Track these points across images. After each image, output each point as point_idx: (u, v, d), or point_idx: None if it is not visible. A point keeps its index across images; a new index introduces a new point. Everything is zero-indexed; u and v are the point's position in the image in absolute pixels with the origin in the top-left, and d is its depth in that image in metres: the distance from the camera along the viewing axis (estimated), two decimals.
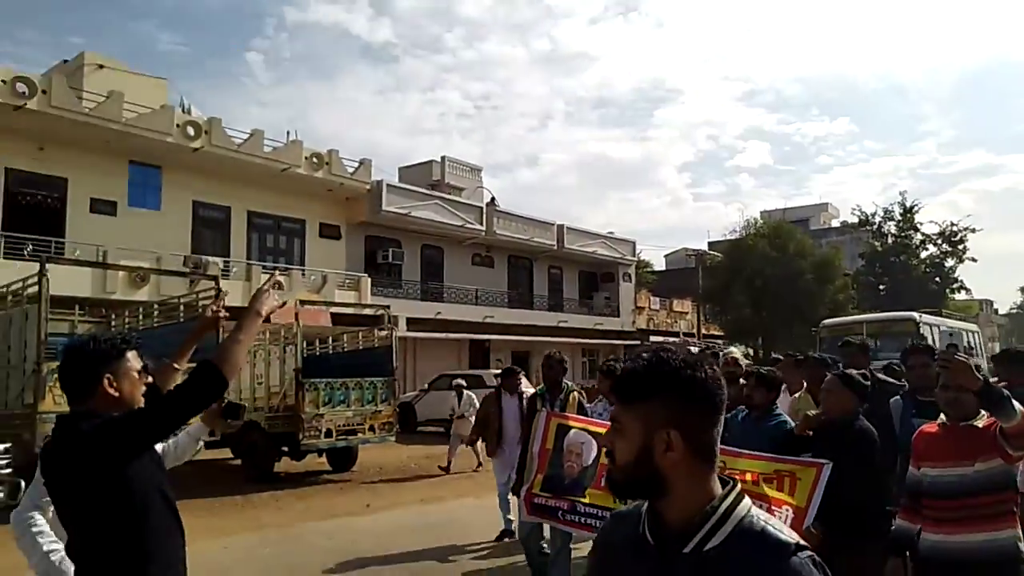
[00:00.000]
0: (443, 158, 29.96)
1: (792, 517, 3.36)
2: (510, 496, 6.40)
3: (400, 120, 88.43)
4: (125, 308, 12.76)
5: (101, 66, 19.08)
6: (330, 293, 21.16)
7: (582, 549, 4.87)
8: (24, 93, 15.80)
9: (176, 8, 76.20)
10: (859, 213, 41.31)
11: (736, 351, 5.11)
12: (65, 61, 20.00)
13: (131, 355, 2.21)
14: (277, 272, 2.55)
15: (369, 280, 22.94)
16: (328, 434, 11.22)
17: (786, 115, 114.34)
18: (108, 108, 17.21)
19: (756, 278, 30.39)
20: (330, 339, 14.46)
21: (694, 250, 40.96)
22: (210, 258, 19.04)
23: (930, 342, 12.19)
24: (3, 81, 15.57)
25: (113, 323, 12.26)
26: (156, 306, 11.95)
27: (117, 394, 2.14)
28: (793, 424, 4.11)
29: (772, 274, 29.99)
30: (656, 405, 1.19)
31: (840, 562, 2.89)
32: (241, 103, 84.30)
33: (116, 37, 71.05)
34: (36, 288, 8.83)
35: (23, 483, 7.72)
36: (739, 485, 1.24)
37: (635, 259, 35.39)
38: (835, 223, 55.98)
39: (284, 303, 2.49)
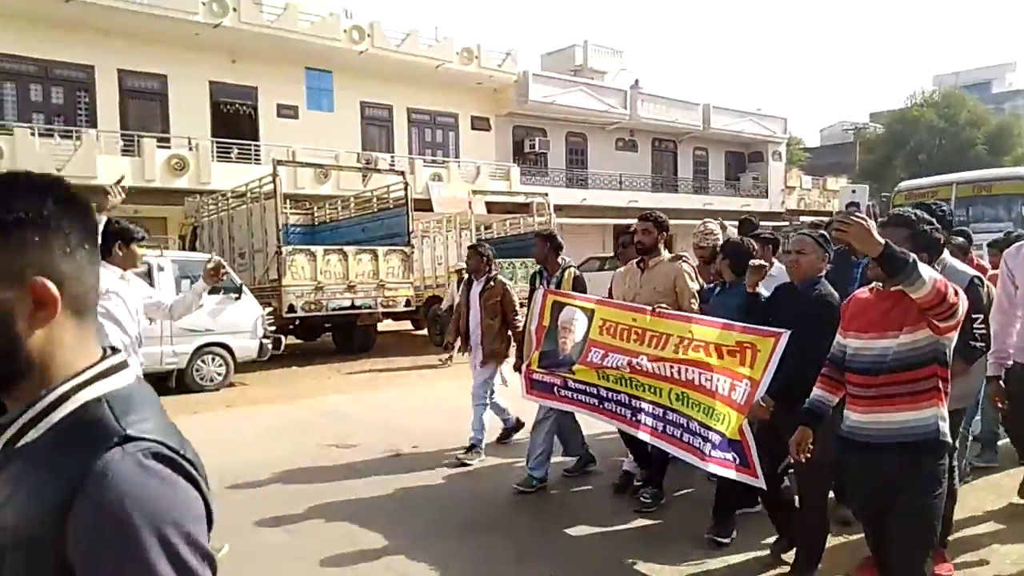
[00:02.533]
0: (585, 42, 29.90)
1: (748, 390, 3.37)
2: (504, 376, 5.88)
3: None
4: (324, 201, 14.85)
5: None
6: (483, 183, 22.66)
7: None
8: (219, 12, 17.87)
9: None
10: None
11: (713, 223, 5.06)
12: None
13: None
14: (121, 177, 2.98)
15: (518, 169, 24.21)
16: None
17: None
18: (286, 19, 19.02)
19: (920, 151, 28.56)
20: (494, 225, 15.99)
21: (852, 123, 38.55)
22: (378, 154, 21.02)
23: None
24: (203, 3, 17.65)
25: (316, 215, 14.42)
26: (352, 200, 13.87)
27: None
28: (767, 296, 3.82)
29: (939, 146, 28.04)
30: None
31: (779, 427, 3.18)
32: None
33: None
34: (271, 186, 10.84)
35: (282, 339, 9.96)
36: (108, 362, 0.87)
37: (786, 136, 33.98)
38: (1021, 84, 49.85)
39: (122, 196, 3.02)
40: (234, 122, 19.70)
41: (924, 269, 2.19)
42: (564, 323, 4.46)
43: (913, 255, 2.20)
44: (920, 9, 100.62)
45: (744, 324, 3.55)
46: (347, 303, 11.29)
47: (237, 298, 9.33)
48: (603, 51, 30.53)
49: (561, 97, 25.20)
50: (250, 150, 19.13)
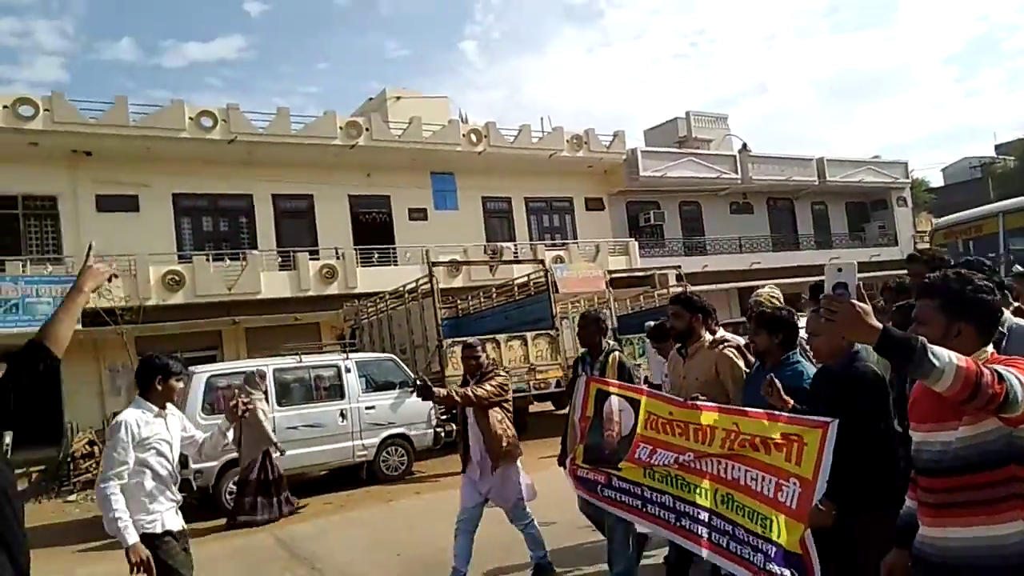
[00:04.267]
0: (687, 113, 30.52)
1: (799, 492, 2.90)
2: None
3: (614, 74, 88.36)
4: (458, 294, 15.80)
5: (398, 98, 23.00)
6: (603, 260, 23.16)
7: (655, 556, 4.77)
8: (354, 134, 19.84)
9: (395, 17, 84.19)
10: None
11: (765, 290, 4.50)
12: (370, 99, 24.27)
13: None
14: (111, 261, 3.18)
15: (636, 243, 24.64)
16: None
17: None
18: (412, 132, 20.82)
19: None
20: (625, 301, 16.35)
21: (978, 158, 36.71)
22: (503, 244, 22.10)
23: None
24: (340, 128, 19.69)
25: (459, 307, 15.32)
26: (493, 289, 14.70)
27: None
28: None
29: None
30: None
31: (857, 537, 2.73)
32: (461, 90, 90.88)
33: (351, 53, 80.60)
34: (428, 286, 11.79)
35: (454, 426, 10.56)
36: None
37: (908, 181, 32.77)
38: None
39: (111, 277, 2.66)
40: (372, 229, 21.42)
41: (940, 355, 1.77)
42: (609, 414, 4.07)
43: (922, 339, 1.80)
44: None
45: (788, 414, 3.10)
46: None
47: (412, 392, 10.09)
48: (706, 119, 31.02)
49: (671, 170, 25.71)
50: (388, 253, 20.68)
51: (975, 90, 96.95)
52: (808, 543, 2.85)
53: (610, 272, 19.97)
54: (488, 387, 4.81)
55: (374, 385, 9.92)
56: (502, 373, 5.13)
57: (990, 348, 2.06)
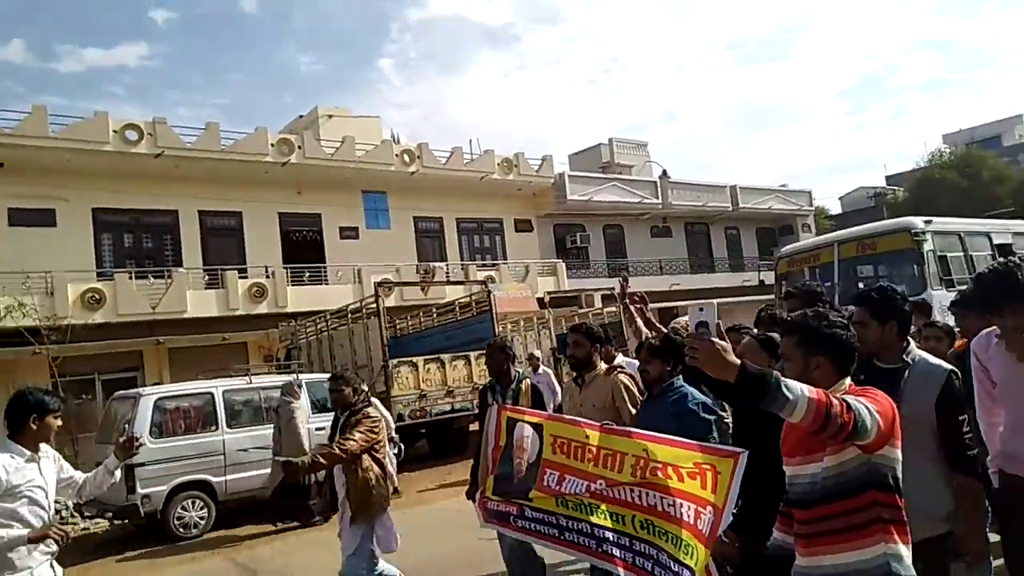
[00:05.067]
0: (610, 140, 31.70)
1: (712, 519, 2.90)
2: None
3: (532, 97, 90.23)
4: (406, 313, 15.87)
5: (330, 116, 22.86)
6: (533, 281, 23.73)
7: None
8: (286, 151, 19.63)
9: (309, 31, 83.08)
10: None
11: (683, 320, 4.30)
12: (300, 116, 24.03)
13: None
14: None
15: (564, 265, 25.33)
16: None
17: (953, 16, 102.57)
18: (344, 151, 20.77)
19: (946, 213, 29.35)
20: (560, 321, 16.84)
21: (873, 188, 39.68)
22: (435, 264, 22.27)
23: (941, 263, 9.28)
24: (272, 145, 19.43)
25: (399, 326, 15.38)
26: (434, 308, 14.87)
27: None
28: (702, 399, 3.57)
29: (965, 206, 28.87)
30: None
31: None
32: (379, 108, 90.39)
33: (262, 66, 79.00)
34: (373, 306, 11.85)
35: (402, 446, 10.65)
36: None
37: (812, 208, 35.11)
38: None
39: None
40: (302, 247, 21.14)
41: (793, 388, 1.87)
42: (518, 442, 3.99)
43: (776, 373, 1.91)
44: (921, 71, 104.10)
45: (701, 443, 3.17)
46: (447, 407, 12.04)
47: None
48: (627, 146, 32.28)
49: (596, 194, 26.63)
50: (320, 272, 20.46)
51: (865, 123, 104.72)
52: (712, 571, 2.89)
53: (543, 293, 20.64)
54: (357, 435, 4.49)
55: (319, 406, 9.89)
56: (372, 412, 4.76)
57: (847, 381, 2.19)
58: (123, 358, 17.50)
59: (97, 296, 16.42)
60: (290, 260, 20.49)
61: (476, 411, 12.56)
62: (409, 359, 11.92)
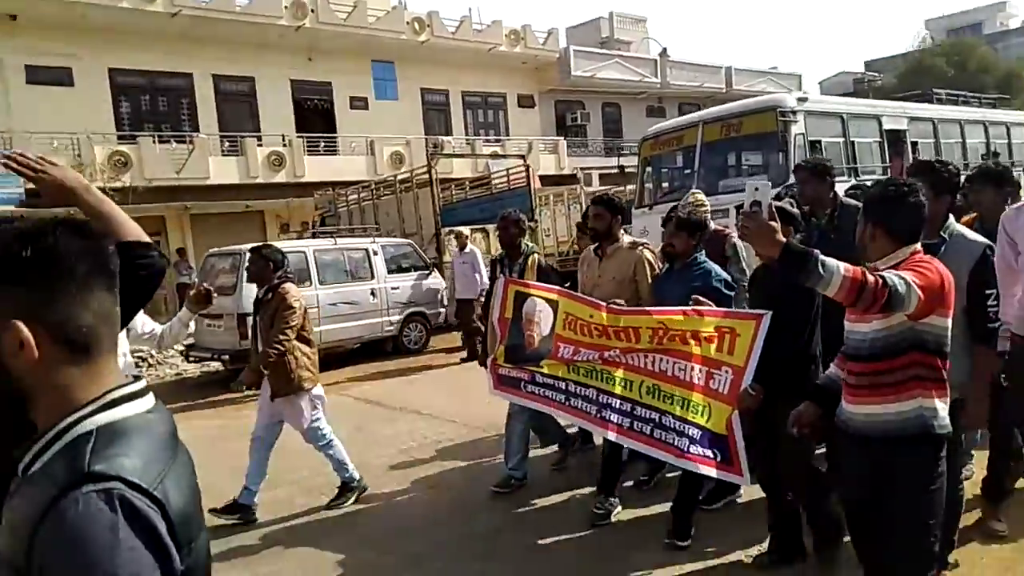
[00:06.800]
0: (611, 14, 31.16)
1: (731, 379, 3.13)
2: None
3: None
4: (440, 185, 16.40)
5: None
6: (535, 158, 24.12)
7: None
8: (300, 15, 19.18)
9: None
10: None
11: (700, 193, 4.31)
12: None
13: None
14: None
15: (565, 142, 25.73)
16: None
17: None
18: (357, 16, 20.33)
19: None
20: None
21: (858, 73, 40.10)
22: (444, 138, 22.47)
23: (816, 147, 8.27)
24: (285, 7, 18.94)
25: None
26: (467, 182, 15.47)
27: None
28: (724, 276, 3.72)
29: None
30: None
31: (777, 420, 2.86)
32: None
33: None
34: (425, 175, 12.44)
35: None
36: (116, 393, 0.96)
37: (802, 93, 35.45)
38: (1014, 23, 51.26)
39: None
40: (313, 116, 21.09)
41: (829, 265, 2.02)
42: (528, 315, 4.12)
43: (816, 252, 2.04)
44: None
45: (724, 309, 3.38)
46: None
47: (427, 275, 10.99)
48: (627, 20, 31.80)
49: (599, 71, 26.63)
50: (334, 142, 20.59)
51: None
52: (735, 424, 3.12)
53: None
54: (283, 327, 4.38)
55: (394, 268, 10.71)
56: (291, 294, 4.47)
57: (910, 248, 2.28)
58: (145, 223, 17.35)
59: (124, 159, 16.49)
60: (302, 129, 20.50)
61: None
62: (458, 229, 12.65)
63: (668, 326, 3.40)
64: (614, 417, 3.60)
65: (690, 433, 3.25)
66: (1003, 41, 45.71)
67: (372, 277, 10.22)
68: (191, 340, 9.33)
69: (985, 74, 29.83)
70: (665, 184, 10.31)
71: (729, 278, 3.75)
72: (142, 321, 3.60)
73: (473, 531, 4.15)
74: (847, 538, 2.77)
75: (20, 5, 15.62)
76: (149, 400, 0.99)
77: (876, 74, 41.58)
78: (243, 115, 19.88)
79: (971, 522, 3.45)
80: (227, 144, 18.76)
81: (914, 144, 9.94)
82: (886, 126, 9.60)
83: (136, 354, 9.16)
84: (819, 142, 8.47)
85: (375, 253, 10.29)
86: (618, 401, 3.60)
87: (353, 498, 4.66)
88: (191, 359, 9.74)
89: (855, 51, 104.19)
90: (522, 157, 15.01)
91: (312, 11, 19.41)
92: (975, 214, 3.83)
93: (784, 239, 2.06)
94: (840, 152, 8.78)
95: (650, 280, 4.05)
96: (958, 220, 3.08)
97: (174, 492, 0.92)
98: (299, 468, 5.30)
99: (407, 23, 21.50)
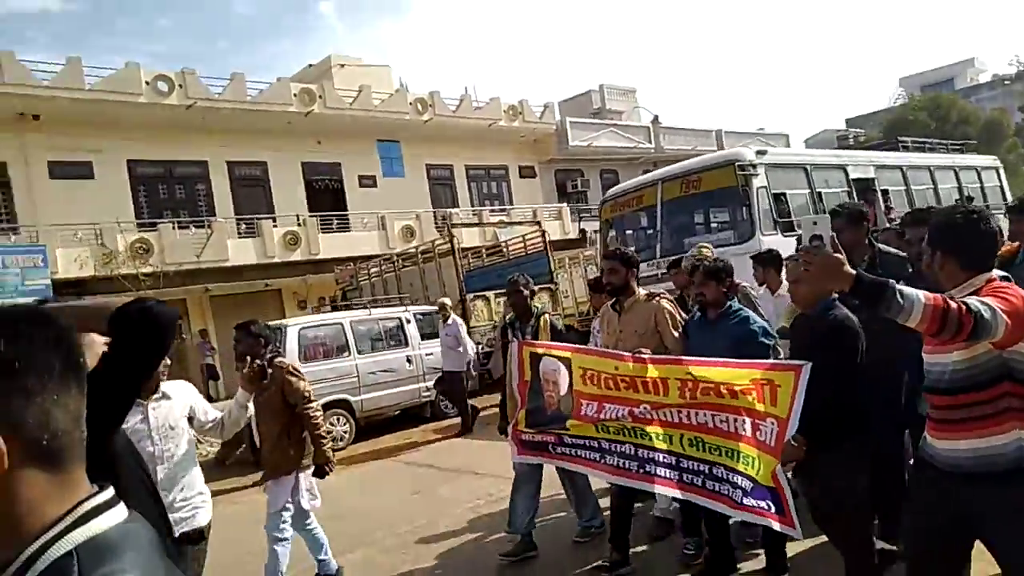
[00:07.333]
0: (601, 86, 32.43)
1: (776, 430, 3.07)
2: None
3: (476, 33, 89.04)
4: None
5: (343, 65, 23.08)
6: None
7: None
8: (308, 101, 19.96)
9: None
10: (1018, 64, 40.04)
11: (695, 250, 4.43)
12: (310, 65, 24.15)
13: None
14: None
15: (568, 208, 26.35)
16: None
17: None
18: (362, 100, 21.16)
19: None
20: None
21: (843, 131, 41.42)
22: (451, 210, 23.03)
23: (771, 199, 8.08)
24: (295, 95, 19.74)
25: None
26: (483, 250, 15.81)
27: None
28: (762, 324, 3.71)
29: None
30: None
31: (818, 472, 2.98)
32: (325, 52, 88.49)
33: (193, 13, 76.19)
34: (447, 246, 12.76)
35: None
36: (90, 503, 0.83)
37: (761, 146, 36.55)
38: (984, 77, 53.45)
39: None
40: (325, 195, 21.64)
41: (907, 295, 1.92)
42: (547, 375, 4.08)
43: (891, 282, 1.94)
44: (876, 16, 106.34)
45: (759, 360, 3.33)
46: None
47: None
48: (616, 92, 33.07)
49: (595, 140, 27.56)
50: (345, 219, 21.07)
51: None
52: (780, 476, 3.07)
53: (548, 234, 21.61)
54: (312, 413, 4.41)
55: (424, 334, 10.88)
56: (292, 373, 4.47)
57: (985, 276, 2.16)
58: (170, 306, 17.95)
59: (145, 246, 16.80)
60: (315, 208, 20.99)
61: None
62: (482, 293, 12.89)
63: (697, 377, 3.36)
64: (660, 471, 3.51)
65: (741, 484, 3.22)
66: (975, 95, 47.61)
67: (407, 344, 10.37)
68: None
69: (966, 125, 31.00)
70: (631, 246, 10.41)
71: (767, 325, 3.76)
72: (204, 409, 3.46)
73: None
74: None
75: (43, 105, 16.22)
76: (123, 509, 0.86)
77: (859, 130, 42.90)
78: (258, 198, 20.40)
79: None
80: (244, 226, 19.18)
81: (884, 192, 9.88)
82: (853, 175, 9.49)
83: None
84: (783, 194, 8.25)
85: (408, 321, 10.47)
86: (661, 455, 3.51)
87: None
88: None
89: (835, 110, 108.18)
90: (537, 223, 15.40)
91: (320, 97, 20.21)
92: (1016, 244, 3.95)
93: (853, 271, 1.98)
94: (807, 203, 8.58)
95: (673, 330, 4.00)
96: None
97: None
98: (372, 530, 5.34)
99: (410, 104, 22.34)
